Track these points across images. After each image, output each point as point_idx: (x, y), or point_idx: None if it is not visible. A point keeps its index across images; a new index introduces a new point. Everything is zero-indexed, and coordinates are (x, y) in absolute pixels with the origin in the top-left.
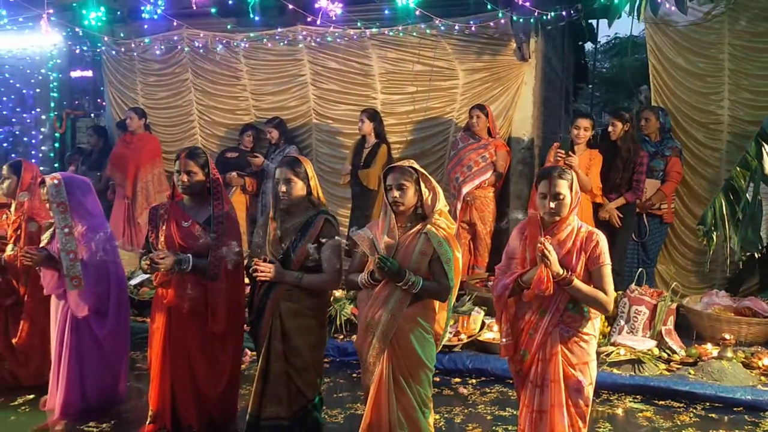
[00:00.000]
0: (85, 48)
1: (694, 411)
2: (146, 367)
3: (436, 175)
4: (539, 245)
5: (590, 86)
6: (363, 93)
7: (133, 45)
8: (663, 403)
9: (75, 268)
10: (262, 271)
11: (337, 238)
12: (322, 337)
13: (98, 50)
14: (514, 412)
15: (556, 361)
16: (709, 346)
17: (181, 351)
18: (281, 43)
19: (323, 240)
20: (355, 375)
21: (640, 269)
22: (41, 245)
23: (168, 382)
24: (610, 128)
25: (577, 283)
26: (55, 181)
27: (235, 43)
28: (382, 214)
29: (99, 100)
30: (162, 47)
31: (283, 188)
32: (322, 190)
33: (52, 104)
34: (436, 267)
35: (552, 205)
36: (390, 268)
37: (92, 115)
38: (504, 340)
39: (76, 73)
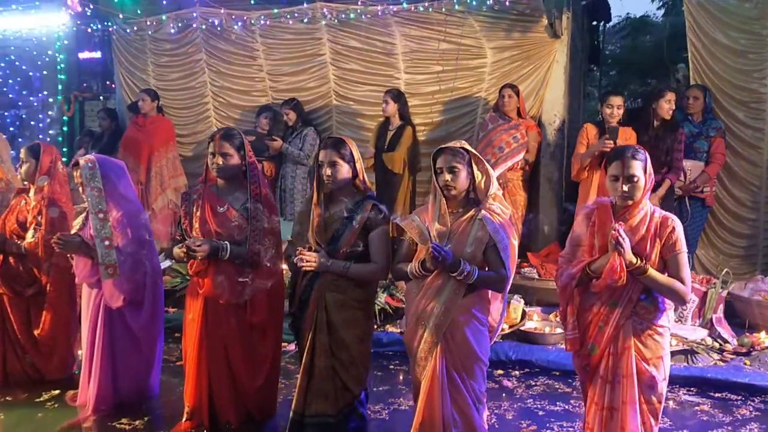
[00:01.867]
0: (95, 27)
1: (753, 404)
2: (174, 360)
3: None
4: (613, 232)
5: (601, 68)
6: (386, 73)
7: (148, 22)
8: (719, 395)
9: (110, 255)
10: (306, 261)
11: (385, 226)
12: (369, 329)
13: (109, 29)
14: (566, 407)
15: (629, 355)
16: (763, 334)
17: (218, 343)
18: (302, 21)
19: (371, 227)
20: (392, 366)
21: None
22: (74, 231)
23: (205, 377)
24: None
25: (652, 272)
26: (89, 164)
27: (252, 21)
28: (431, 199)
29: (108, 82)
30: (178, 25)
31: (328, 171)
32: None
33: (60, 87)
34: (493, 255)
35: (625, 188)
36: (444, 258)
37: (101, 97)
38: (570, 333)
39: (84, 55)
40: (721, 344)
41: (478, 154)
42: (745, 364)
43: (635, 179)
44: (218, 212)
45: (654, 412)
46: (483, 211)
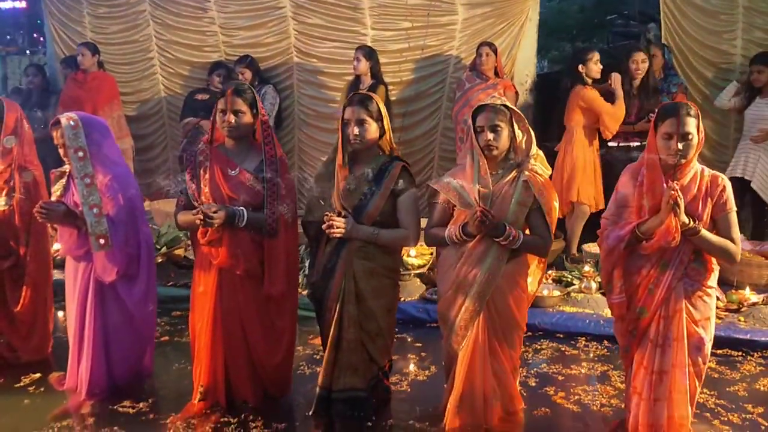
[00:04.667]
0: None
1: (753, 359)
2: (158, 335)
3: (433, 118)
4: (672, 192)
5: None
6: (351, 29)
7: None
8: (720, 352)
9: (101, 225)
10: (337, 227)
11: (414, 189)
12: (396, 298)
13: None
14: (582, 371)
15: (680, 317)
16: (747, 291)
17: (234, 318)
18: None
19: (400, 190)
20: (402, 336)
21: None
22: (54, 198)
23: (221, 355)
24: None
25: (705, 232)
26: (72, 122)
27: None
28: (469, 160)
29: (36, 35)
30: None
31: (356, 131)
32: (306, 136)
33: None
34: (537, 219)
35: (680, 145)
36: (491, 222)
37: (27, 52)
38: (617, 297)
39: (6, 4)
40: None
41: (519, 111)
42: (740, 320)
43: (690, 137)
44: (230, 176)
45: (699, 374)
46: (526, 172)
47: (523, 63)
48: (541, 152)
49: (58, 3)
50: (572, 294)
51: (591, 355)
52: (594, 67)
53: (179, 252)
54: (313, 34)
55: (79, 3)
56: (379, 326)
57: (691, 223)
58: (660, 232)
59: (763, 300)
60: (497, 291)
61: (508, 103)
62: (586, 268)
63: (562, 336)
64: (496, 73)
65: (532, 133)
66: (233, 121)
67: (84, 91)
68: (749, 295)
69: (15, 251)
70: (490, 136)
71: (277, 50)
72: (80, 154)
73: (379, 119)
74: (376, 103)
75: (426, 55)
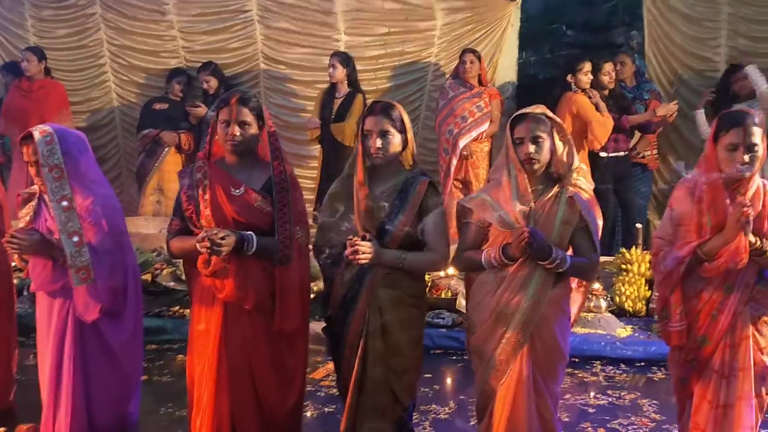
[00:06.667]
0: None
1: None
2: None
3: (412, 127)
4: (745, 209)
5: None
6: (323, 34)
7: None
8: None
9: (82, 255)
10: (363, 252)
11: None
12: (422, 329)
13: None
14: (611, 401)
15: (747, 345)
16: None
17: (241, 359)
18: None
19: (426, 209)
20: None
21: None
22: (22, 224)
23: (226, 402)
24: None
25: None
26: (47, 137)
27: None
28: (505, 175)
29: None
30: None
31: (379, 143)
32: None
33: None
34: (583, 239)
35: (746, 157)
36: (539, 243)
37: None
38: (677, 324)
39: None
40: None
41: (560, 121)
42: None
43: (756, 148)
44: (234, 195)
45: (762, 406)
46: (570, 188)
47: (504, 70)
48: (584, 165)
49: None
50: (581, 313)
51: (614, 381)
52: (583, 78)
53: (146, 277)
54: (282, 40)
55: (20, 4)
56: (405, 362)
57: (758, 242)
58: (728, 253)
59: None
60: (542, 319)
61: (548, 112)
62: (595, 285)
63: (577, 360)
64: (480, 81)
65: (573, 143)
66: (238, 133)
67: (30, 101)
68: None
69: None
70: (531, 148)
71: (242, 56)
72: (56, 173)
73: (402, 130)
74: (400, 113)
75: (403, 62)
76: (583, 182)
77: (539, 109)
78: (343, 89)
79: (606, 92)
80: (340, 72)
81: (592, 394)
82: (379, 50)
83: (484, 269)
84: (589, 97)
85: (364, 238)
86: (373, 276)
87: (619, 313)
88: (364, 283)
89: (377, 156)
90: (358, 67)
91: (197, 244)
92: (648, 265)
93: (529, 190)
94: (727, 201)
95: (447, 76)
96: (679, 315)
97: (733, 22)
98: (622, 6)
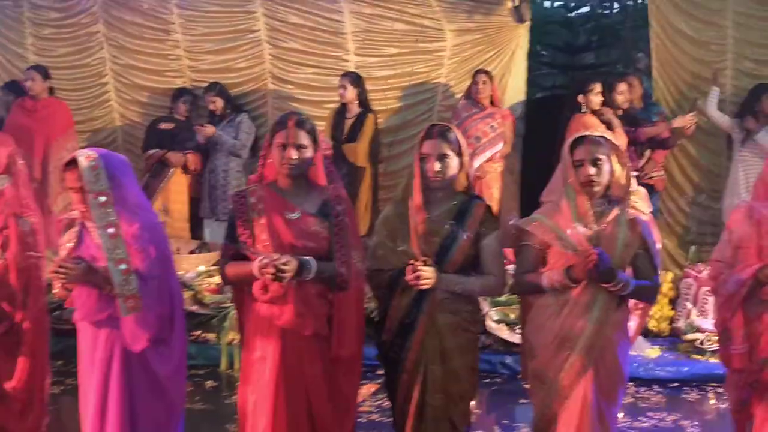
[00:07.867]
0: None
1: None
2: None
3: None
4: None
5: None
6: (332, 54)
7: None
8: None
9: (130, 283)
10: (425, 277)
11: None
12: (477, 354)
13: None
14: (653, 422)
15: None
16: None
17: (299, 388)
18: None
19: (483, 233)
20: None
21: (693, 247)
22: (64, 251)
23: (284, 430)
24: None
25: None
26: (92, 162)
27: None
28: (564, 197)
29: None
30: None
31: (437, 166)
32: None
33: None
34: (644, 261)
35: None
36: (606, 266)
37: None
38: (739, 347)
39: None
40: None
41: (618, 143)
42: None
43: None
44: (290, 220)
45: None
46: (630, 210)
47: (513, 92)
48: (642, 188)
49: None
50: None
51: (650, 402)
52: (594, 98)
53: None
54: (291, 60)
55: (20, 22)
56: (464, 388)
57: None
58: None
59: None
60: (605, 343)
61: (607, 135)
62: None
63: None
64: (492, 102)
65: (630, 166)
66: (295, 157)
67: (34, 121)
68: None
69: (8, 316)
70: (592, 170)
71: (250, 76)
72: (102, 199)
73: (459, 153)
74: (457, 135)
75: (413, 83)
76: (641, 204)
77: (598, 131)
78: (354, 109)
79: (620, 112)
80: (351, 92)
81: (634, 416)
82: (389, 71)
83: (544, 292)
84: (601, 116)
85: (425, 264)
86: (431, 301)
87: (644, 333)
88: (422, 308)
89: (435, 179)
90: (367, 88)
91: (258, 270)
92: (670, 285)
93: (590, 212)
94: None
95: (456, 96)
96: (741, 338)
97: (739, 45)
98: (601, 27)
